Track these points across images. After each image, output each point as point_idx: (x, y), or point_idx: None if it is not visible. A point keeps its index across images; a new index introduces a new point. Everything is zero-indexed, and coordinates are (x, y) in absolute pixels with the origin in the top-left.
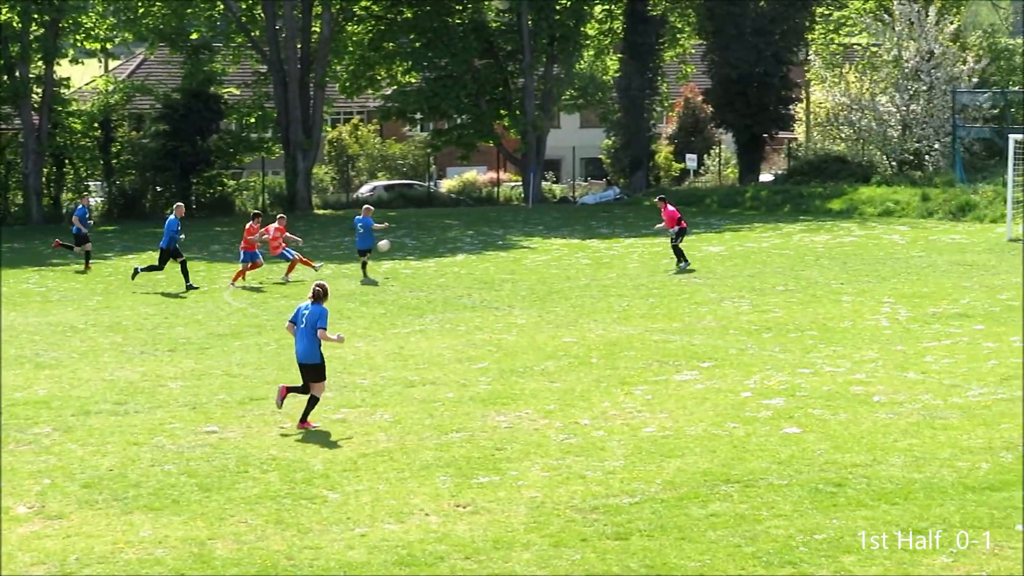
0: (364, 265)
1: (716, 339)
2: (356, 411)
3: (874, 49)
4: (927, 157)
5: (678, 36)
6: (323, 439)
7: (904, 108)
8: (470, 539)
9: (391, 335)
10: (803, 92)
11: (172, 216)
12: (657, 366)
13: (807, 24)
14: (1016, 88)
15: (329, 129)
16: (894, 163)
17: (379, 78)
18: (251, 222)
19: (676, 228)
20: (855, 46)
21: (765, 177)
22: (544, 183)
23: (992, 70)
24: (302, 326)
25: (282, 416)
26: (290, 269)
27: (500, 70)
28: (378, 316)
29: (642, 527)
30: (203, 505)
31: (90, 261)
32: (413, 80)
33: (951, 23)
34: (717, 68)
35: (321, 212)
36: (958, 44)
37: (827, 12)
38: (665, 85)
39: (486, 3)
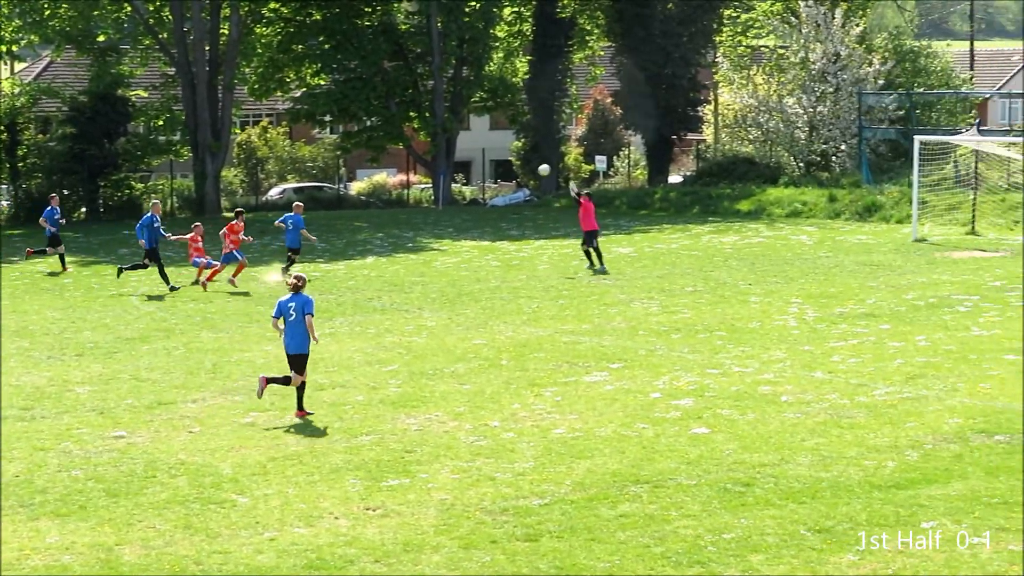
0: (291, 263)
1: (625, 340)
2: (265, 415)
3: (781, 51)
4: (834, 158)
5: (587, 38)
6: (232, 443)
7: (811, 110)
8: (380, 542)
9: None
10: (711, 94)
11: (149, 213)
12: (567, 367)
13: (715, 26)
14: (921, 89)
15: (238, 131)
16: (801, 164)
17: (288, 80)
18: (235, 220)
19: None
20: (763, 48)
21: (674, 179)
22: (454, 185)
23: (897, 72)
24: (291, 318)
25: (190, 420)
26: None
27: (410, 72)
28: None
29: (552, 528)
30: (111, 511)
31: (65, 262)
32: (322, 82)
33: (857, 25)
34: (626, 70)
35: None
36: (864, 46)
37: (735, 14)
38: (574, 87)
39: (395, 5)
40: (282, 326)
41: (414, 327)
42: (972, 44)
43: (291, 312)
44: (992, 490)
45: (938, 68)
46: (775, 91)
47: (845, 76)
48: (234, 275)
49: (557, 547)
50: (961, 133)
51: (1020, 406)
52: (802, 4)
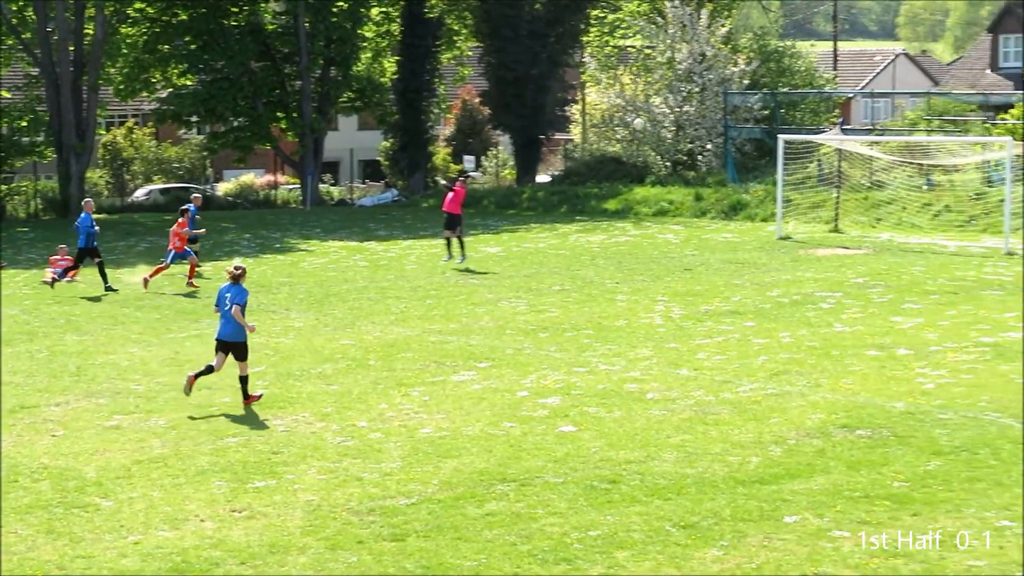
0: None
1: (493, 339)
2: (130, 417)
3: (648, 51)
4: (700, 157)
5: (455, 38)
6: (96, 446)
7: (677, 109)
8: (246, 544)
9: (167, 340)
10: (579, 94)
11: (84, 213)
12: (434, 367)
13: (582, 27)
14: (785, 89)
15: (103, 132)
16: (668, 163)
17: (154, 80)
18: (181, 218)
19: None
20: (629, 48)
21: (542, 178)
22: (322, 185)
23: (762, 72)
24: (227, 308)
25: (54, 424)
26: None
27: (277, 72)
28: (153, 321)
29: (419, 528)
30: None
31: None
32: (189, 83)
33: (722, 26)
34: (494, 70)
35: (96, 216)
36: (729, 46)
37: (601, 15)
38: (443, 87)
39: (262, 5)
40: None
41: (281, 328)
42: (835, 44)
43: (227, 302)
44: (854, 484)
45: (802, 68)
46: (642, 91)
47: (711, 76)
48: (189, 275)
49: (424, 547)
50: (824, 132)
51: (881, 401)
52: (668, 4)
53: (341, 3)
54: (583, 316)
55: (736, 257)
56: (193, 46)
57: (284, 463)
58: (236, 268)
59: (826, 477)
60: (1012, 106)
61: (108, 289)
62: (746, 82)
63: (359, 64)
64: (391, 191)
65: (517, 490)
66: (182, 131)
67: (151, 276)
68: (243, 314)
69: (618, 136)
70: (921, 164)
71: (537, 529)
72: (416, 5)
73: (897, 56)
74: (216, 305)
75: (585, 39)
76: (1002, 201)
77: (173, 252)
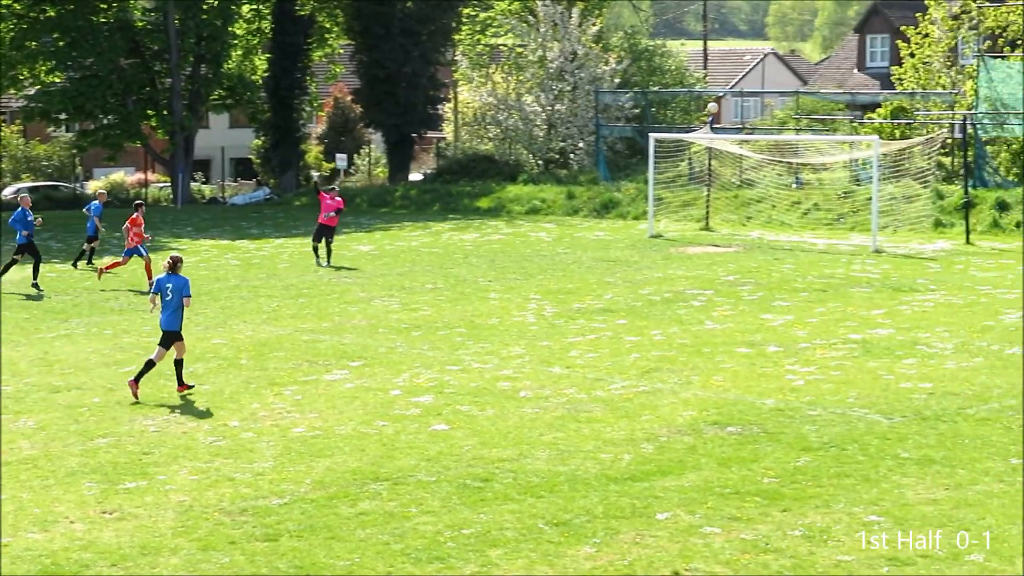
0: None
1: (366, 338)
2: None
3: (519, 50)
4: (572, 156)
5: (326, 36)
6: None
7: (549, 108)
8: (116, 546)
9: (35, 340)
10: (451, 92)
11: (20, 208)
12: (307, 366)
13: (454, 25)
14: (656, 88)
15: None
16: (540, 162)
17: (22, 78)
18: (135, 214)
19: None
20: (501, 47)
21: (415, 176)
22: (193, 184)
23: (633, 71)
24: (168, 298)
25: None
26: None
27: (147, 70)
28: (22, 321)
29: (291, 528)
30: None
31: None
32: (57, 80)
33: (594, 24)
34: (366, 68)
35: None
36: (601, 45)
37: (473, 13)
38: (314, 85)
39: (132, 2)
40: (159, 303)
41: (151, 328)
42: (705, 44)
43: (168, 292)
44: (724, 480)
45: (673, 67)
46: (514, 89)
47: (582, 75)
48: (148, 274)
49: (297, 546)
50: (695, 131)
51: (751, 398)
52: (539, 3)
53: (211, 0)
54: (456, 314)
55: (608, 255)
56: (61, 43)
57: (155, 464)
58: (174, 259)
59: (697, 474)
60: (879, 105)
61: (34, 286)
62: (617, 81)
63: (230, 62)
64: (263, 189)
65: (390, 489)
66: (51, 129)
67: (107, 268)
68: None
69: (490, 134)
70: (790, 163)
71: (410, 528)
72: (287, 3)
73: (766, 55)
74: (152, 292)
75: (457, 37)
76: (869, 199)
77: (132, 247)
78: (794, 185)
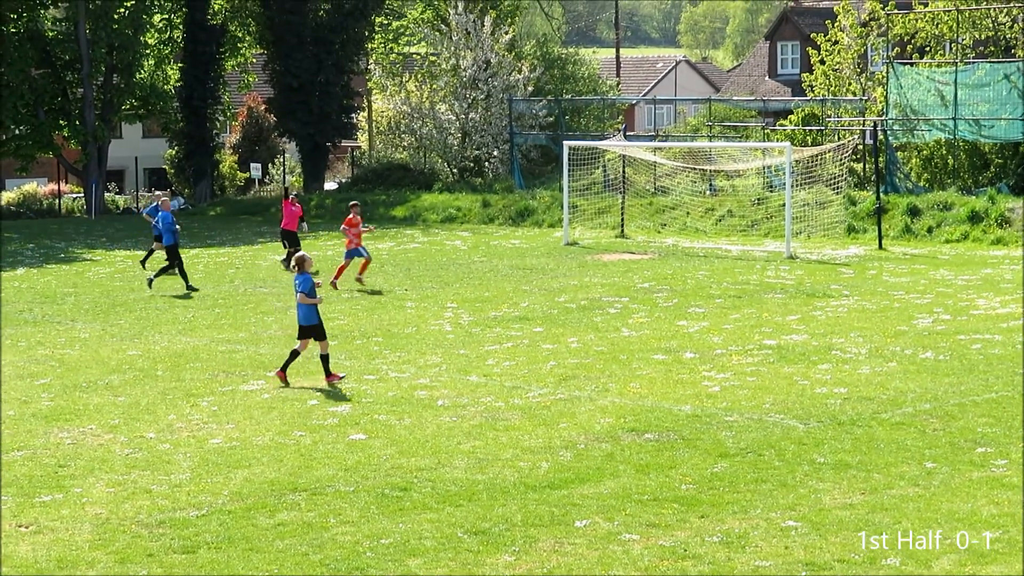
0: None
1: (283, 348)
2: None
3: (433, 58)
4: (487, 164)
5: (239, 45)
6: None
7: (463, 116)
8: (33, 560)
9: None
10: (365, 101)
11: (162, 211)
12: (223, 377)
13: (367, 33)
14: (569, 96)
15: None
16: (455, 170)
17: None
18: (351, 214)
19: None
20: (414, 55)
21: (330, 185)
22: (107, 194)
23: (547, 79)
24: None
25: None
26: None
27: (59, 80)
28: None
29: (209, 540)
30: None
31: None
32: None
33: (506, 33)
34: (279, 77)
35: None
36: (513, 54)
37: (386, 22)
38: (227, 94)
39: (42, 12)
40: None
41: (67, 339)
42: (618, 51)
43: (296, 291)
44: (643, 487)
45: (586, 75)
46: (428, 98)
47: (496, 83)
48: (360, 272)
49: (215, 558)
50: (609, 138)
51: (668, 405)
52: (452, 12)
53: (122, 9)
54: (372, 323)
55: (524, 263)
56: None
57: (71, 476)
58: (298, 257)
59: (615, 481)
60: (791, 112)
61: (148, 278)
62: (531, 89)
63: (142, 71)
64: (177, 199)
65: (308, 499)
66: None
67: (335, 278)
68: (312, 295)
69: (405, 143)
70: (704, 170)
71: (329, 538)
72: (199, 12)
73: (679, 63)
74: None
75: (370, 46)
76: (783, 206)
77: (352, 249)
78: (708, 192)
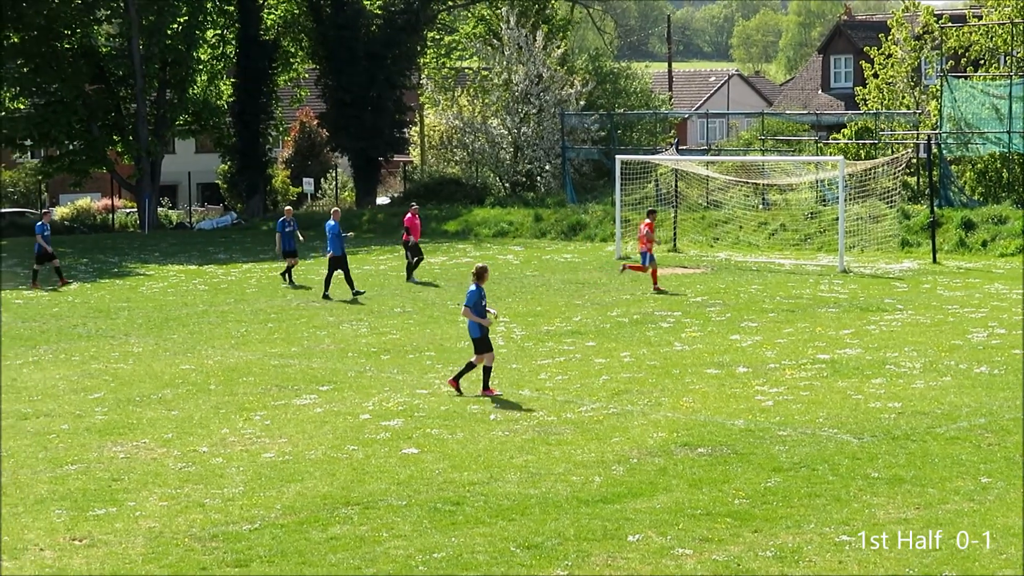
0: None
1: (335, 362)
2: None
3: (485, 73)
4: (539, 178)
5: (291, 60)
6: None
7: (515, 130)
8: (87, 573)
9: (3, 367)
10: (417, 115)
11: (332, 221)
12: (276, 391)
13: (419, 49)
14: (622, 110)
15: None
16: (507, 184)
17: None
18: (648, 219)
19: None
20: (466, 70)
21: (382, 200)
22: (160, 209)
23: (599, 93)
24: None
25: None
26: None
27: (112, 95)
28: None
29: (262, 553)
30: None
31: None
32: (22, 106)
33: (558, 47)
34: (331, 92)
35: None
36: (565, 68)
37: (438, 37)
38: (280, 109)
39: (96, 28)
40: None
41: (120, 353)
42: (670, 65)
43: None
44: (695, 502)
45: (638, 89)
46: (480, 112)
47: (548, 97)
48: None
49: (268, 572)
50: (661, 153)
51: (721, 419)
52: (504, 27)
53: (176, 25)
54: (425, 338)
55: (576, 277)
56: (25, 69)
57: (125, 490)
58: (477, 269)
59: (668, 495)
60: (844, 126)
61: (357, 293)
62: (582, 103)
63: (195, 87)
64: (230, 214)
65: (361, 513)
66: (15, 155)
67: (631, 267)
68: (474, 312)
69: (457, 157)
70: (756, 183)
71: (382, 552)
72: (251, 27)
73: (731, 77)
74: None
75: (422, 61)
76: (836, 220)
77: (644, 252)
78: (761, 206)
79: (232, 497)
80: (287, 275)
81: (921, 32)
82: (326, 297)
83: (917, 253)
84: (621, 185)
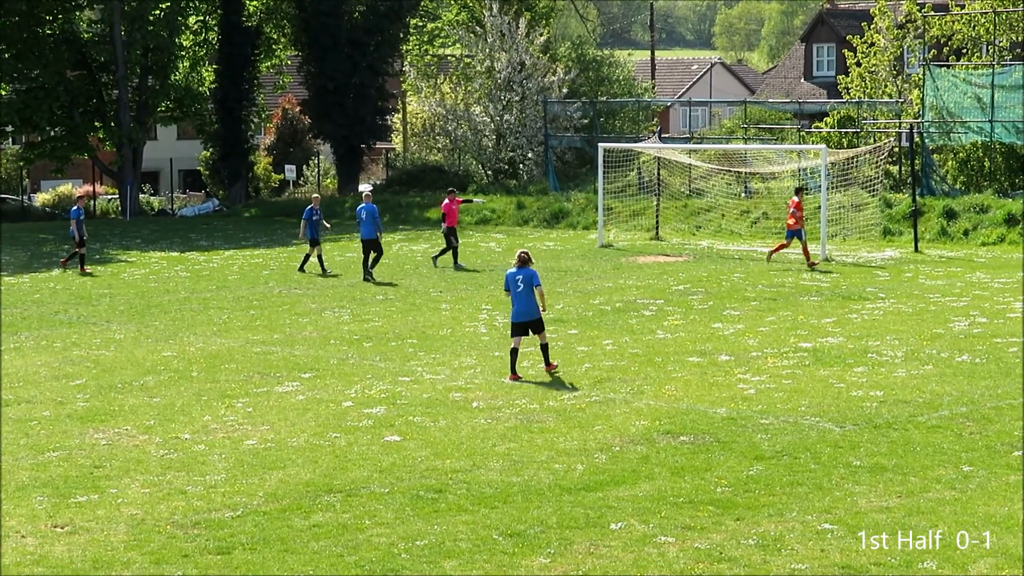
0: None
1: (317, 350)
2: None
3: (467, 60)
4: (521, 166)
5: (274, 47)
6: None
7: (498, 118)
8: (68, 560)
9: None
10: (399, 103)
11: (366, 203)
12: (258, 378)
13: (401, 36)
14: (604, 98)
15: None
16: (490, 172)
17: None
18: (797, 196)
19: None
20: (449, 57)
21: (364, 187)
22: (142, 196)
23: (581, 81)
24: (519, 289)
25: None
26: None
27: (94, 82)
28: None
29: (244, 541)
30: None
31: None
32: (3, 92)
33: (541, 35)
34: (314, 79)
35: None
36: (548, 55)
37: (421, 24)
38: (262, 96)
39: (77, 14)
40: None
41: (102, 340)
42: (653, 54)
43: (519, 284)
44: (678, 490)
45: (621, 77)
46: (462, 99)
47: (530, 85)
48: (774, 250)
49: (250, 559)
50: (643, 141)
51: (704, 407)
52: (487, 14)
53: (157, 11)
54: (407, 325)
55: (558, 265)
56: (7, 55)
57: (107, 477)
58: (524, 253)
59: (651, 483)
60: (826, 114)
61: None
62: (565, 91)
63: (177, 73)
64: (212, 201)
65: (343, 501)
66: None
67: (774, 251)
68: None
69: (439, 145)
70: (739, 172)
71: (364, 540)
72: (233, 14)
73: (713, 65)
74: (506, 289)
75: (405, 48)
76: (818, 208)
77: (793, 229)
78: (743, 194)
79: (214, 484)
80: (319, 261)
81: (904, 21)
82: (367, 279)
83: (899, 242)
84: (604, 173)
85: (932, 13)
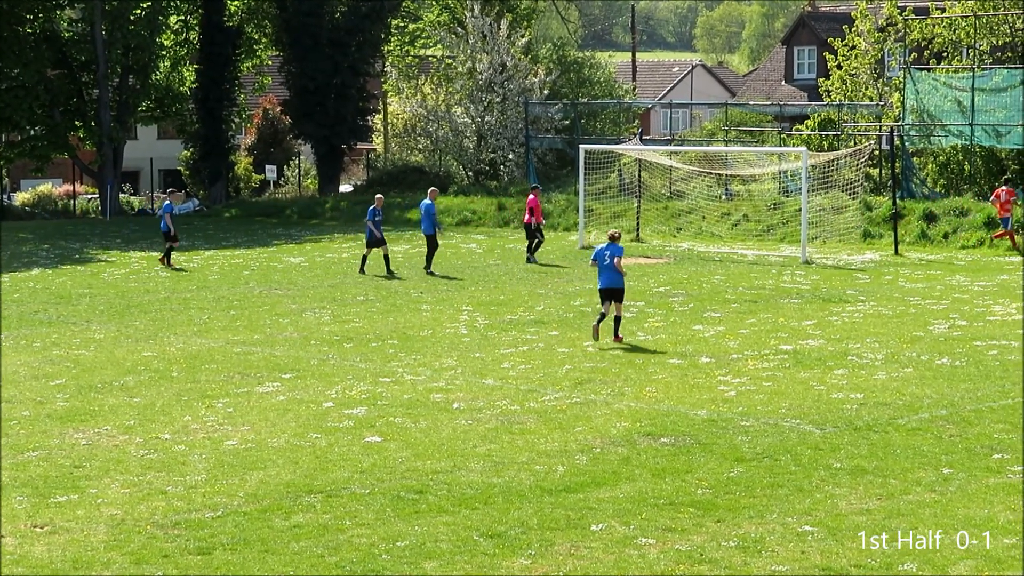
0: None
1: (298, 350)
2: None
3: (449, 61)
4: (502, 167)
5: (255, 47)
6: None
7: (479, 119)
8: (48, 560)
9: None
10: (380, 103)
11: (428, 200)
12: (239, 379)
13: (383, 36)
14: (585, 100)
15: None
16: (471, 173)
17: None
18: (1002, 187)
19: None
20: (431, 58)
21: (345, 188)
22: (122, 195)
23: (563, 82)
24: (606, 262)
25: None
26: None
27: (74, 81)
28: None
29: (225, 541)
30: None
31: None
32: None
33: (522, 36)
34: (295, 79)
35: None
36: (530, 57)
37: (402, 24)
38: (243, 96)
39: (58, 13)
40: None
41: (82, 340)
42: (634, 55)
43: (606, 258)
44: (658, 491)
45: (602, 79)
46: (443, 100)
47: (512, 86)
48: (997, 235)
49: (230, 560)
50: (624, 142)
51: (684, 409)
52: (468, 15)
53: (138, 11)
54: (388, 326)
55: (539, 267)
56: None
57: (86, 477)
58: (615, 232)
59: (631, 485)
60: (807, 117)
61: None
62: (546, 92)
63: (158, 73)
64: (192, 201)
65: (324, 502)
66: None
67: (998, 236)
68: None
69: (420, 146)
70: (720, 174)
71: (344, 540)
72: (215, 14)
73: (694, 67)
74: (594, 260)
75: (386, 48)
76: (799, 211)
77: (1004, 217)
78: (724, 197)
79: (194, 485)
80: (385, 262)
81: (885, 24)
82: (429, 273)
83: (879, 245)
84: (584, 174)
85: (913, 16)
